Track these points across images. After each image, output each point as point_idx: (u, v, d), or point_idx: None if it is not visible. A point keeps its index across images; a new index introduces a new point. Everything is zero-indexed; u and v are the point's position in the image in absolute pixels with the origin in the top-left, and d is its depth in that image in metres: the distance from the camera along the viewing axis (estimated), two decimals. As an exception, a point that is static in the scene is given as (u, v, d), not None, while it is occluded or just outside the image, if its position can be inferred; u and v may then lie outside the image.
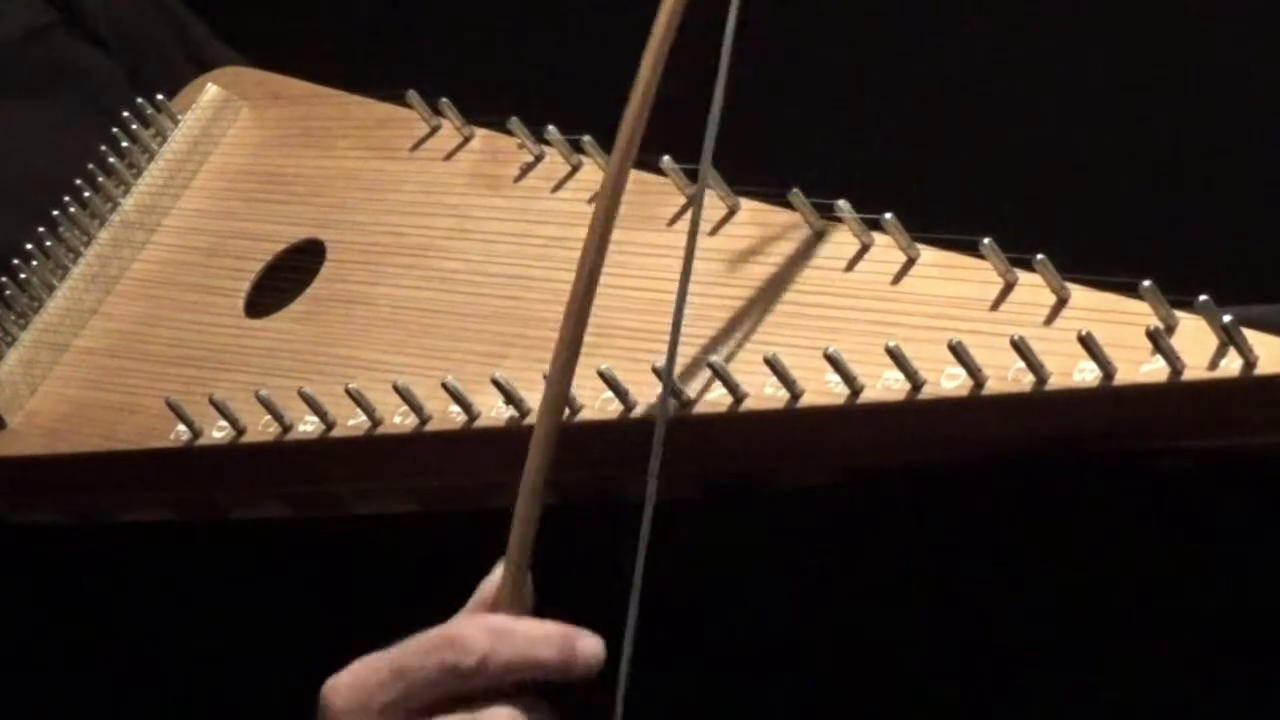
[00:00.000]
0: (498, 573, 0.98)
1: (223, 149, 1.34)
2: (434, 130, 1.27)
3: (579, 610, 1.02)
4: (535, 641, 0.96)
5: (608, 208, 0.99)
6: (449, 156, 1.24)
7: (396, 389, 1.08)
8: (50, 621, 1.28)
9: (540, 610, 1.00)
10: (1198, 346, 0.91)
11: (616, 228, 1.13)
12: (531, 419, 1.05)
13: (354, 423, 1.10)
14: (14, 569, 1.25)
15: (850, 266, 1.05)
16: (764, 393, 1.00)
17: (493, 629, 0.96)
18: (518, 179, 1.20)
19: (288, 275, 1.24)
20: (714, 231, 1.11)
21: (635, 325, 1.08)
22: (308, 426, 1.12)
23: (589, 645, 0.96)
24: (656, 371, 1.01)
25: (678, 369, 1.02)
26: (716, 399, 1.01)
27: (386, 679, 0.95)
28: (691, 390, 1.01)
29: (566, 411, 1.04)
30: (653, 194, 1.14)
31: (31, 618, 1.27)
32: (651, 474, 0.96)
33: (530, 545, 0.98)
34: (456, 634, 0.95)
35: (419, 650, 0.95)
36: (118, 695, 1.27)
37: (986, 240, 0.99)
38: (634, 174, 1.16)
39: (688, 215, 1.13)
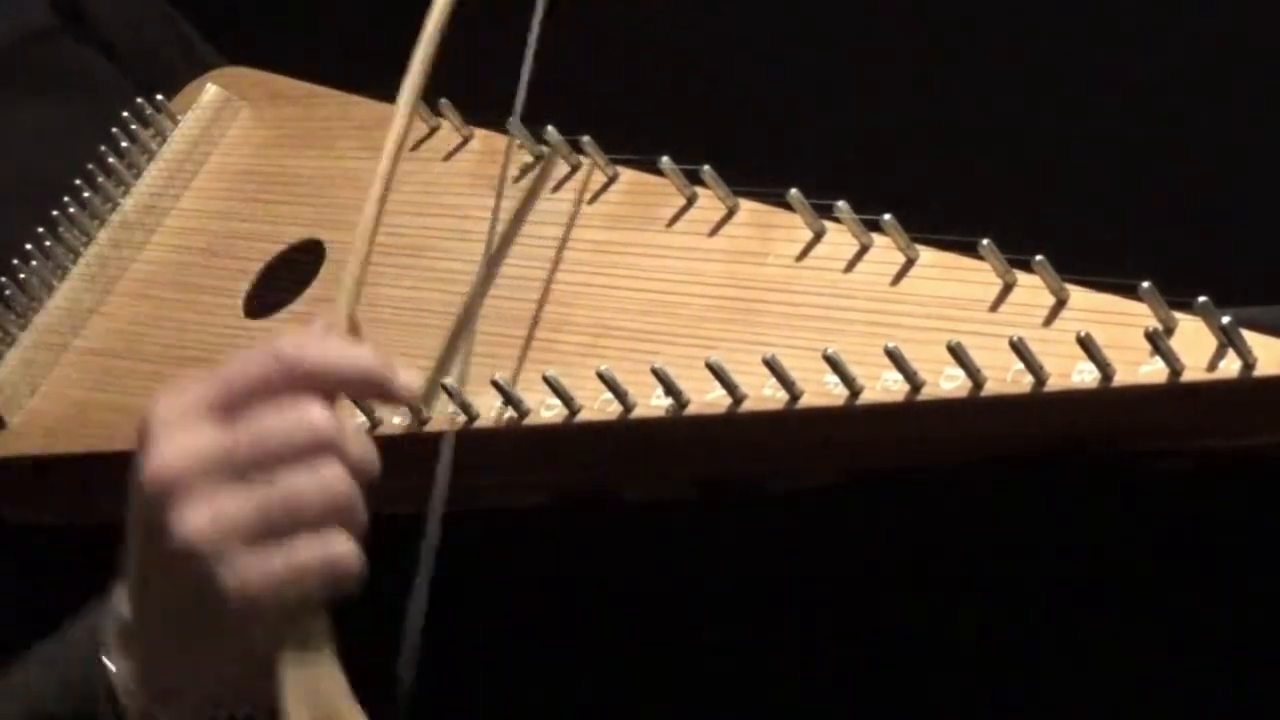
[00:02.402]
0: (326, 308, 1.00)
1: (222, 149, 1.34)
2: (433, 131, 1.26)
3: (576, 610, 1.02)
4: (356, 353, 0.97)
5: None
6: (448, 157, 1.24)
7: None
8: (50, 621, 1.28)
9: (537, 610, 1.00)
10: (1197, 348, 0.91)
11: (617, 228, 1.14)
12: (532, 419, 1.05)
13: (353, 423, 1.10)
14: (14, 569, 1.25)
15: (849, 267, 1.05)
16: (763, 394, 1.00)
17: (313, 336, 0.97)
18: (517, 179, 1.20)
19: (287, 275, 1.24)
20: (713, 232, 1.11)
21: (634, 325, 1.08)
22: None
23: (407, 374, 0.97)
24: (656, 372, 1.01)
25: (677, 369, 1.02)
26: (716, 399, 1.01)
27: (205, 381, 0.96)
28: (691, 391, 1.01)
29: (566, 413, 1.04)
30: (652, 194, 1.14)
31: (31, 618, 1.27)
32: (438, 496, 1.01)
33: (356, 291, 1.01)
34: (276, 339, 0.97)
35: (239, 356, 0.96)
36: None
37: (985, 241, 0.99)
38: (633, 174, 1.16)
39: (687, 215, 1.13)
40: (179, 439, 0.95)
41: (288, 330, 1.19)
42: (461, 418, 1.07)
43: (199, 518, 0.94)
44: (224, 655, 0.97)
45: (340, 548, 0.94)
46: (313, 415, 0.94)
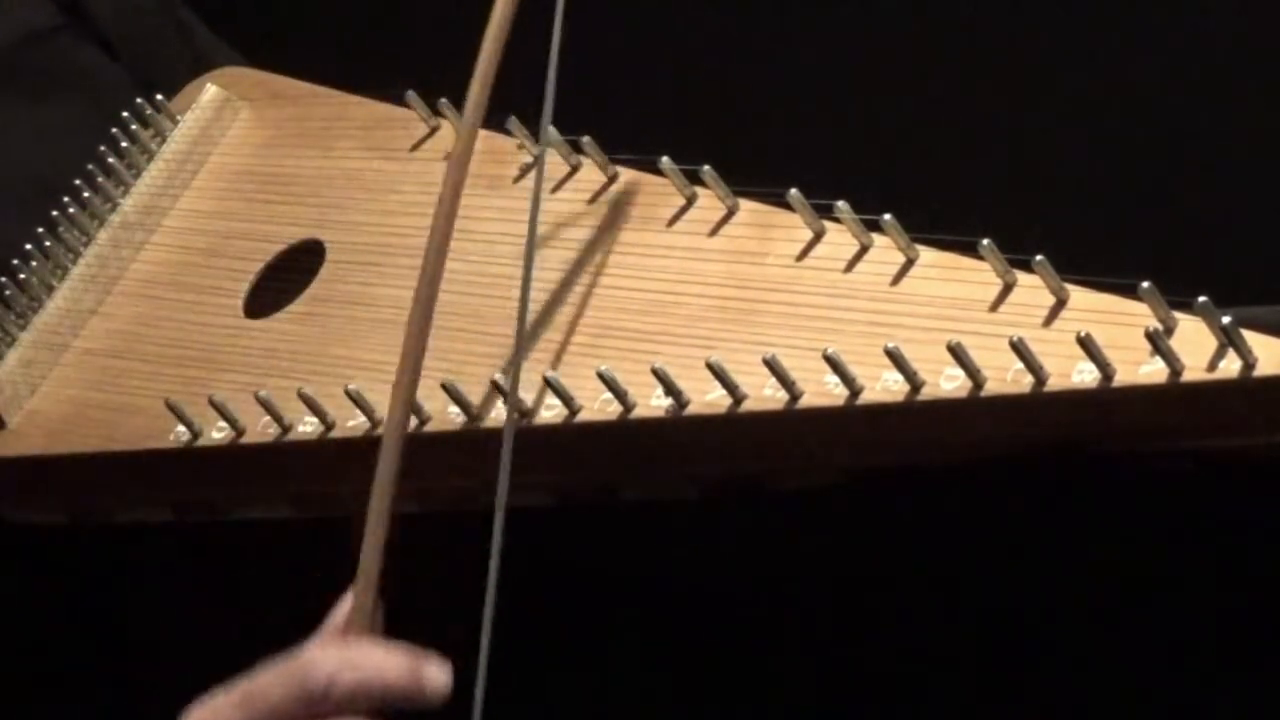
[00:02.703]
0: (349, 598, 0.99)
1: (222, 149, 1.34)
2: (434, 130, 1.26)
3: (575, 612, 1.02)
4: (383, 667, 0.96)
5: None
6: (448, 157, 1.24)
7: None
8: (50, 621, 1.28)
9: (538, 610, 1.00)
10: (1197, 348, 0.91)
11: (615, 228, 1.14)
12: (531, 420, 1.05)
13: (353, 423, 1.10)
14: (14, 569, 1.25)
15: (849, 267, 1.05)
16: (763, 394, 1.00)
17: (340, 654, 0.96)
18: (517, 179, 1.20)
19: (287, 275, 1.24)
20: (713, 232, 1.11)
21: (634, 326, 1.08)
22: (307, 427, 1.12)
23: (436, 673, 0.97)
24: (656, 372, 1.01)
25: (677, 369, 1.02)
26: (716, 399, 1.01)
27: (236, 709, 0.96)
28: (691, 391, 1.01)
29: (566, 413, 1.04)
30: (651, 195, 1.14)
31: (31, 618, 1.27)
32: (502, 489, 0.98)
33: (379, 569, 0.99)
34: (304, 660, 0.96)
35: (267, 678, 0.96)
36: (117, 695, 1.27)
37: (985, 241, 0.99)
38: (633, 174, 1.16)
39: (687, 216, 1.13)
40: None
41: (289, 329, 1.19)
42: (462, 418, 1.07)
43: None
44: None
45: None
46: None
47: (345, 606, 0.99)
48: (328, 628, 0.99)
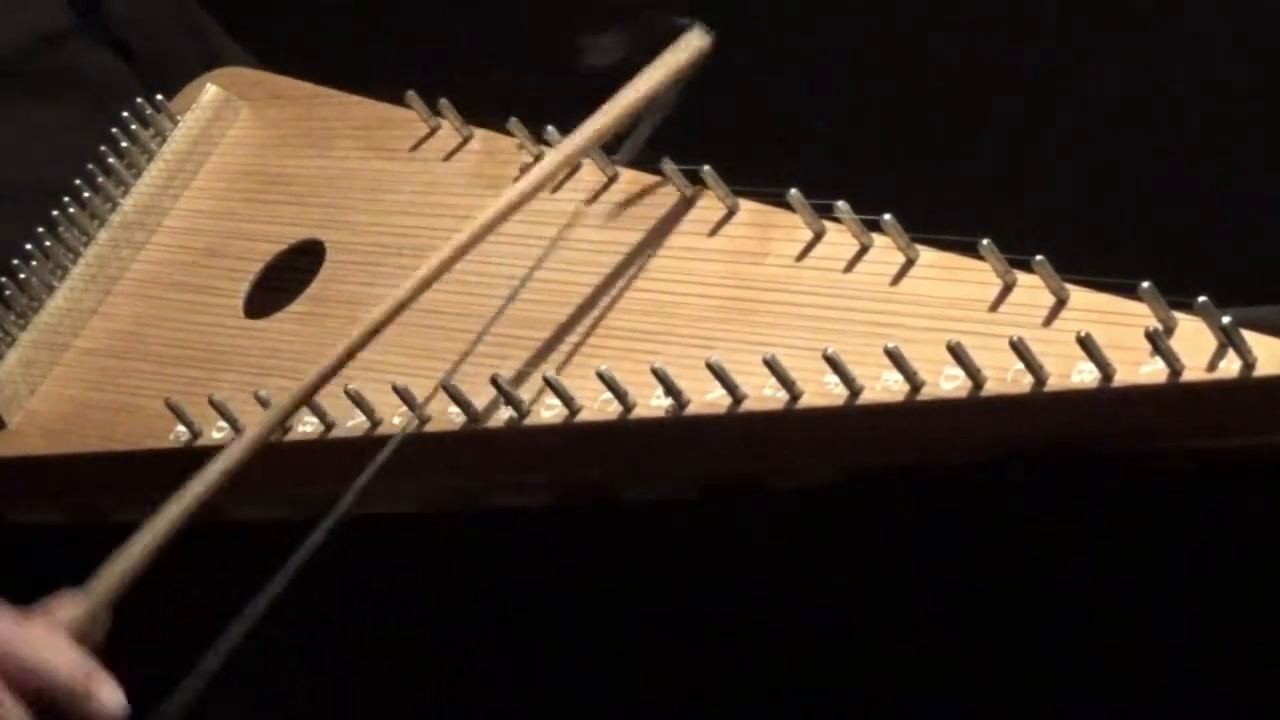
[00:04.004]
0: (77, 595, 1.01)
1: (222, 149, 1.34)
2: (434, 131, 1.26)
3: (576, 610, 1.02)
4: (58, 661, 0.98)
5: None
6: (448, 157, 1.24)
7: (396, 389, 1.08)
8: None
9: (538, 609, 1.00)
10: (1197, 348, 0.91)
11: (614, 228, 1.14)
12: (532, 420, 1.05)
13: (354, 423, 1.10)
14: (14, 569, 1.25)
15: (849, 267, 1.05)
16: (763, 394, 1.00)
17: (23, 633, 0.98)
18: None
19: (287, 275, 1.24)
20: (713, 232, 1.11)
21: (634, 325, 1.08)
22: (307, 427, 1.12)
23: (109, 692, 0.98)
24: (656, 372, 1.01)
25: (677, 369, 1.02)
26: (716, 399, 1.01)
27: None
28: (691, 391, 1.01)
29: (566, 413, 1.04)
30: (651, 195, 1.14)
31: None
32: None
33: (124, 582, 1.02)
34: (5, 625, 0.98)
35: None
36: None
37: (985, 241, 0.99)
38: (634, 174, 1.16)
39: (687, 215, 1.13)
40: None
41: (289, 329, 1.19)
42: (462, 418, 1.07)
43: None
44: None
45: None
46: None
47: (66, 599, 1.01)
48: (38, 610, 1.00)
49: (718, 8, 1.17)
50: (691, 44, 1.13)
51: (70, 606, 1.01)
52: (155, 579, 1.26)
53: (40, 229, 1.29)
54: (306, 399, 1.06)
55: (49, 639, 0.99)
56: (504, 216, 1.08)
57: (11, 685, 0.96)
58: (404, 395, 1.08)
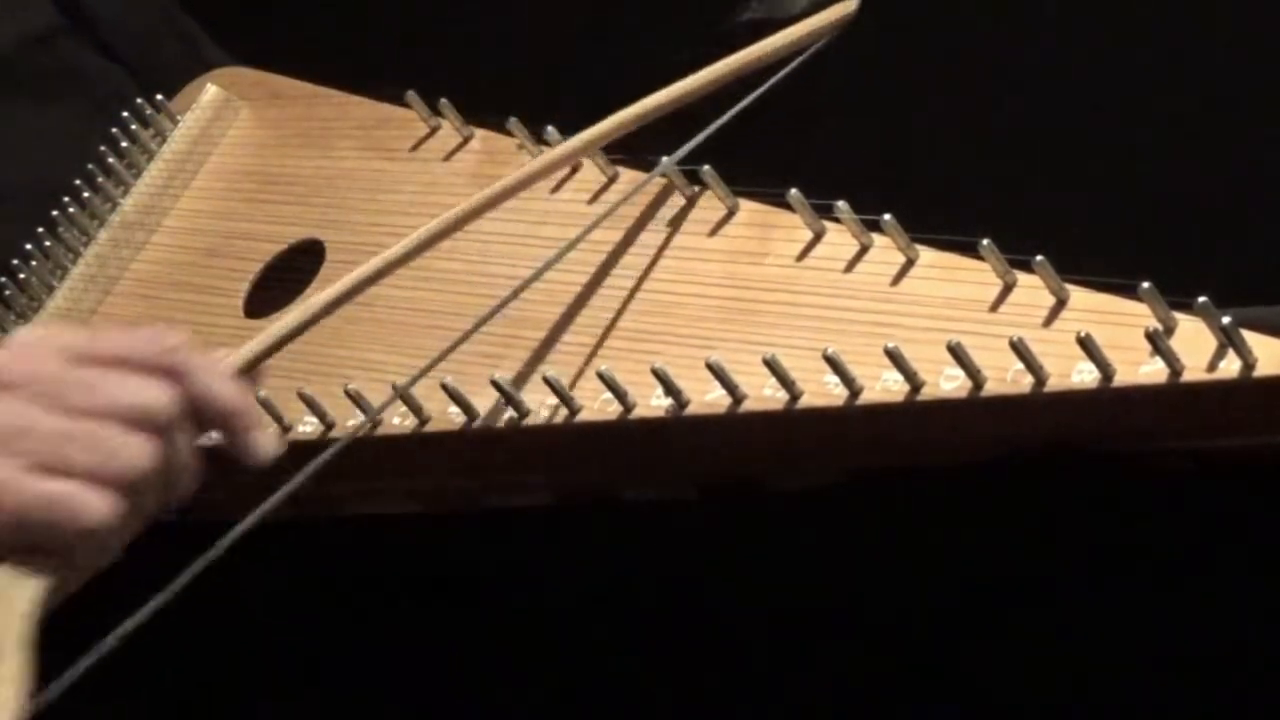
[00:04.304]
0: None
1: (222, 149, 1.34)
2: (433, 131, 1.27)
3: (576, 610, 1.02)
4: (232, 389, 0.95)
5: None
6: (448, 157, 1.24)
7: (396, 389, 1.08)
8: (50, 621, 1.28)
9: (538, 609, 1.00)
10: (1197, 348, 0.91)
11: (614, 228, 1.14)
12: (532, 419, 1.05)
13: (353, 423, 1.10)
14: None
15: (849, 268, 1.05)
16: (763, 394, 1.00)
17: (202, 357, 0.95)
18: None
19: (287, 275, 1.24)
20: (713, 232, 1.11)
21: (634, 325, 1.08)
22: (307, 427, 1.12)
23: (269, 435, 0.96)
24: (656, 372, 1.01)
25: (677, 369, 1.02)
26: (716, 399, 1.01)
27: (85, 334, 0.94)
28: (691, 391, 1.01)
29: (566, 413, 1.04)
30: (651, 194, 1.14)
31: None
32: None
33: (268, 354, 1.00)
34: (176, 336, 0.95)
35: (131, 331, 0.95)
36: (117, 694, 1.27)
37: (985, 241, 0.99)
38: (634, 175, 1.16)
39: (687, 215, 1.13)
40: (29, 351, 0.93)
41: None
42: (462, 418, 1.07)
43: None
44: None
45: (94, 509, 0.89)
46: (154, 391, 0.92)
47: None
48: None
49: (718, 8, 1.17)
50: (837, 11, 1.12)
51: (225, 353, 0.99)
52: (156, 579, 1.26)
53: (40, 229, 1.29)
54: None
55: (222, 369, 0.96)
56: (557, 165, 1.08)
57: (188, 412, 0.93)
58: (404, 395, 1.08)
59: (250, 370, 0.99)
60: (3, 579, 0.90)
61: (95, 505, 0.90)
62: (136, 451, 0.91)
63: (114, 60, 1.42)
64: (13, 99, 1.37)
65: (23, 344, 0.94)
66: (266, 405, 1.12)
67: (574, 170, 1.18)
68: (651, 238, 1.12)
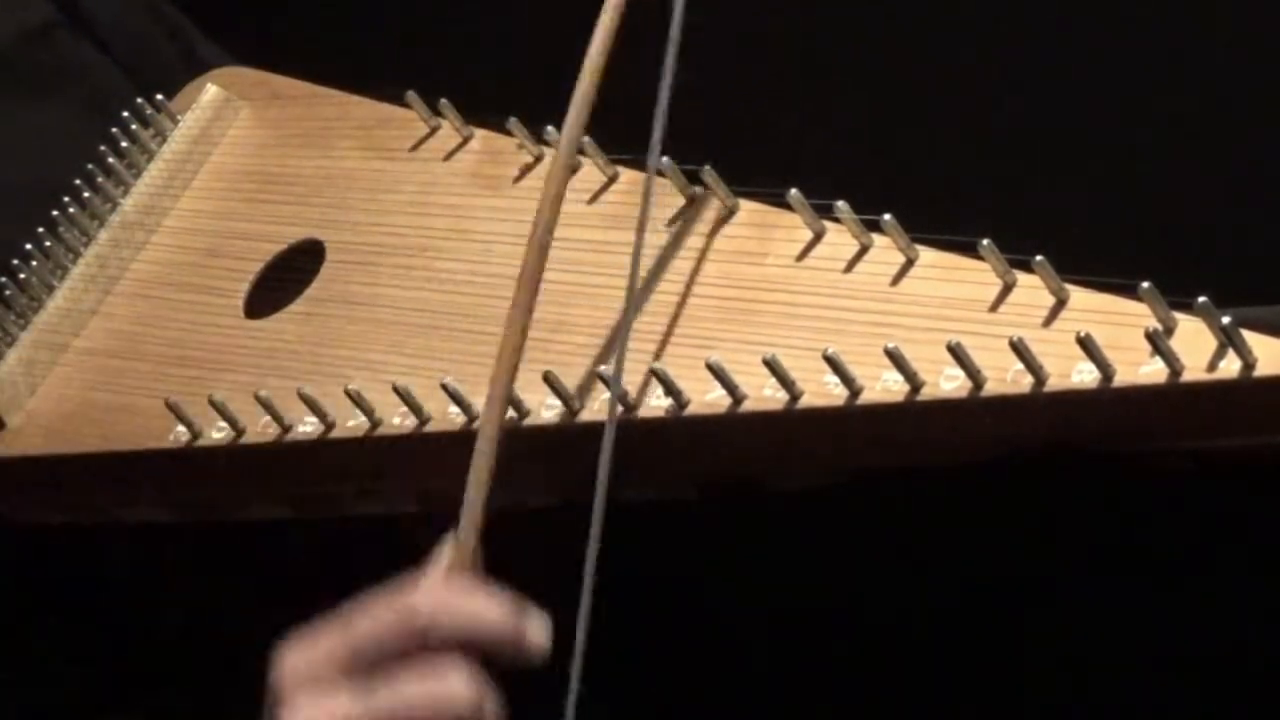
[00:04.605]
0: (450, 541, 0.98)
1: (222, 149, 1.34)
2: (433, 131, 1.26)
3: (574, 610, 1.02)
4: (484, 612, 0.95)
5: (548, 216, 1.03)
6: (448, 157, 1.24)
7: (396, 389, 1.08)
8: (50, 621, 1.28)
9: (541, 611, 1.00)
10: (1197, 348, 0.91)
11: (614, 228, 1.14)
12: (531, 420, 1.05)
13: (353, 423, 1.10)
14: (14, 569, 1.25)
15: (849, 268, 1.05)
16: (763, 394, 1.00)
17: (443, 595, 0.96)
18: (517, 179, 1.20)
19: (287, 275, 1.24)
20: (713, 232, 1.11)
21: (634, 325, 1.08)
22: (307, 427, 1.12)
23: (537, 626, 0.95)
24: (656, 372, 1.01)
25: (677, 369, 1.02)
26: (716, 399, 1.01)
27: (337, 636, 0.95)
28: (691, 391, 1.01)
29: (566, 413, 1.04)
30: (651, 195, 1.14)
31: (32, 617, 1.27)
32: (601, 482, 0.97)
33: (483, 513, 0.98)
34: (407, 598, 0.95)
35: (370, 612, 0.95)
36: (118, 695, 1.27)
37: (985, 241, 0.99)
38: (634, 175, 1.16)
39: (687, 215, 1.13)
40: (319, 703, 0.94)
41: (289, 329, 1.19)
42: (462, 418, 1.07)
43: None
44: None
45: None
46: (456, 687, 0.93)
47: (448, 550, 0.98)
48: (431, 569, 0.98)
49: (718, 8, 1.17)
50: None
51: (451, 550, 0.98)
52: (155, 579, 1.26)
53: (40, 229, 1.29)
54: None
55: (465, 592, 0.96)
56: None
57: (462, 650, 0.94)
58: (404, 395, 1.08)
59: (477, 529, 0.99)
60: None
61: None
62: None
63: (108, 56, 1.42)
64: (12, 96, 1.37)
65: (297, 685, 0.95)
66: (267, 405, 1.12)
67: (574, 170, 1.18)
68: (652, 238, 1.12)
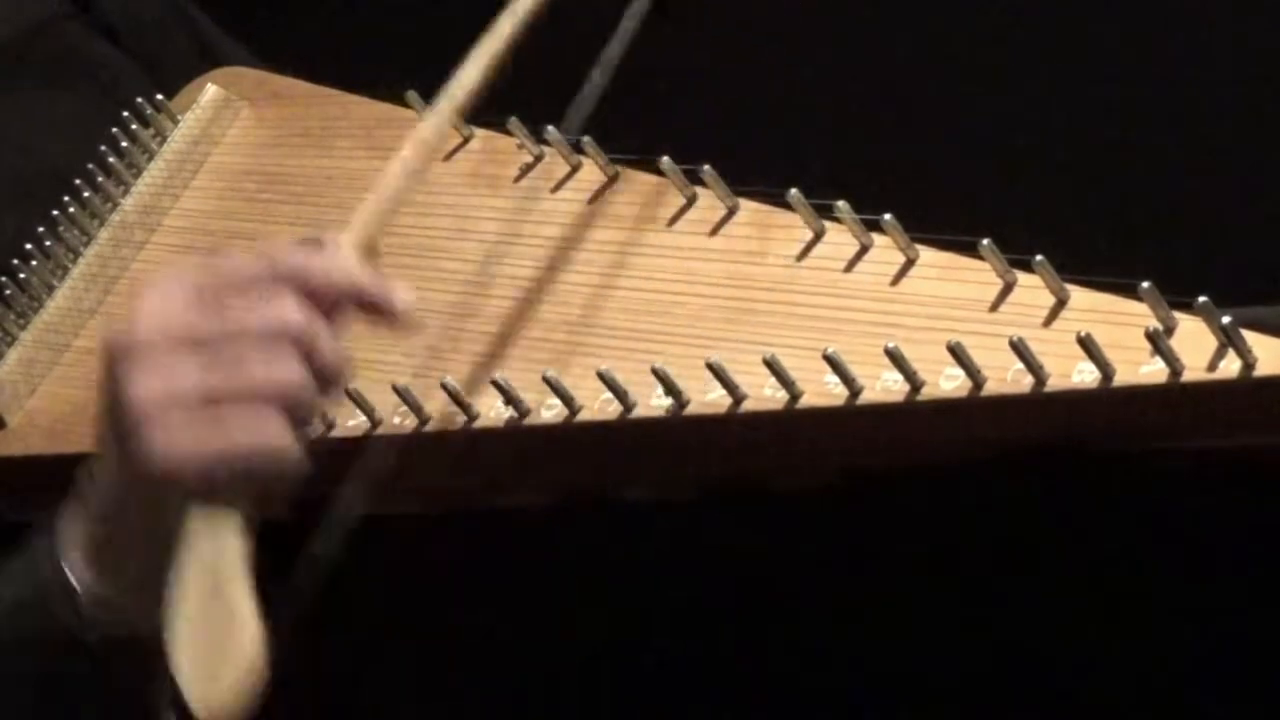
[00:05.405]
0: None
1: (223, 149, 1.34)
2: (434, 130, 1.26)
3: (576, 610, 1.02)
4: (356, 270, 0.99)
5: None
6: (448, 157, 1.24)
7: (396, 389, 1.08)
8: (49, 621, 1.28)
9: (537, 609, 1.00)
10: (1197, 348, 0.91)
11: (614, 228, 1.14)
12: (532, 419, 1.05)
13: (354, 423, 1.10)
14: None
15: (849, 267, 1.05)
16: (763, 394, 1.00)
17: (316, 254, 0.99)
18: (517, 179, 1.20)
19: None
20: (714, 232, 1.11)
21: (634, 326, 1.08)
22: (307, 426, 1.12)
23: (404, 292, 0.99)
24: (656, 372, 1.01)
25: (677, 369, 1.02)
26: (716, 399, 1.01)
27: (201, 268, 0.98)
28: (691, 391, 1.01)
29: (566, 413, 1.04)
30: (651, 195, 1.14)
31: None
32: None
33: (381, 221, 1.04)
34: (280, 244, 0.99)
35: (239, 253, 0.99)
36: (117, 694, 1.27)
37: (985, 241, 0.99)
38: (633, 174, 1.16)
39: (687, 215, 1.13)
40: (157, 308, 0.96)
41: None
42: (462, 418, 1.07)
43: (150, 381, 0.95)
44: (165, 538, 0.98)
45: (279, 439, 0.94)
46: (287, 309, 0.95)
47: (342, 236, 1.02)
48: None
49: (718, 8, 1.17)
50: None
51: (341, 235, 1.02)
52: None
53: (41, 229, 1.29)
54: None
55: (339, 254, 1.00)
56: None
57: (310, 299, 0.96)
58: (404, 395, 1.08)
59: (365, 248, 1.02)
60: (212, 518, 0.95)
61: (272, 440, 0.94)
62: (289, 373, 0.95)
63: (123, 51, 1.42)
64: (23, 86, 1.37)
65: (149, 299, 0.97)
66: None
67: (574, 170, 1.18)
68: (651, 238, 1.12)
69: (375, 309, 0.98)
